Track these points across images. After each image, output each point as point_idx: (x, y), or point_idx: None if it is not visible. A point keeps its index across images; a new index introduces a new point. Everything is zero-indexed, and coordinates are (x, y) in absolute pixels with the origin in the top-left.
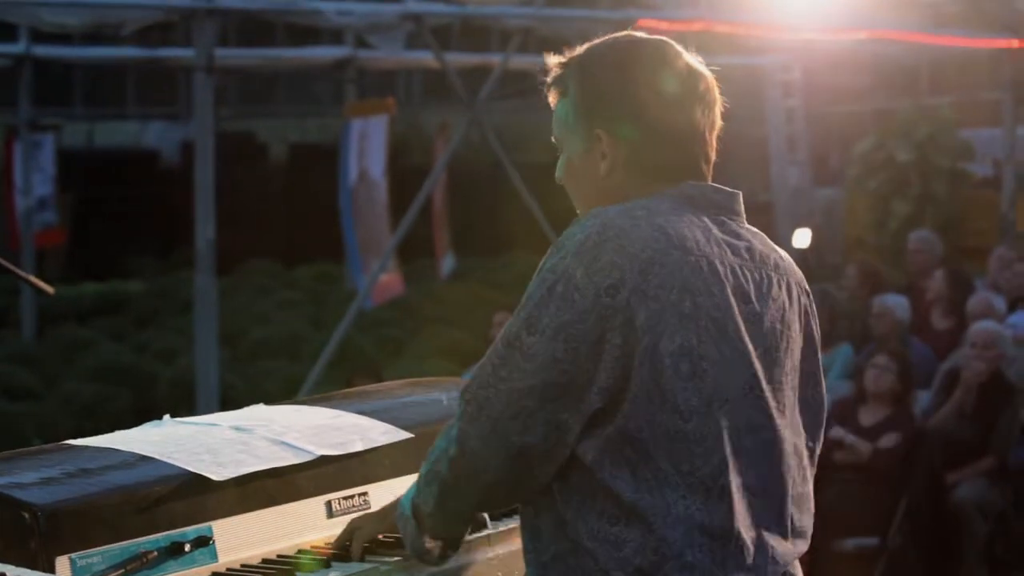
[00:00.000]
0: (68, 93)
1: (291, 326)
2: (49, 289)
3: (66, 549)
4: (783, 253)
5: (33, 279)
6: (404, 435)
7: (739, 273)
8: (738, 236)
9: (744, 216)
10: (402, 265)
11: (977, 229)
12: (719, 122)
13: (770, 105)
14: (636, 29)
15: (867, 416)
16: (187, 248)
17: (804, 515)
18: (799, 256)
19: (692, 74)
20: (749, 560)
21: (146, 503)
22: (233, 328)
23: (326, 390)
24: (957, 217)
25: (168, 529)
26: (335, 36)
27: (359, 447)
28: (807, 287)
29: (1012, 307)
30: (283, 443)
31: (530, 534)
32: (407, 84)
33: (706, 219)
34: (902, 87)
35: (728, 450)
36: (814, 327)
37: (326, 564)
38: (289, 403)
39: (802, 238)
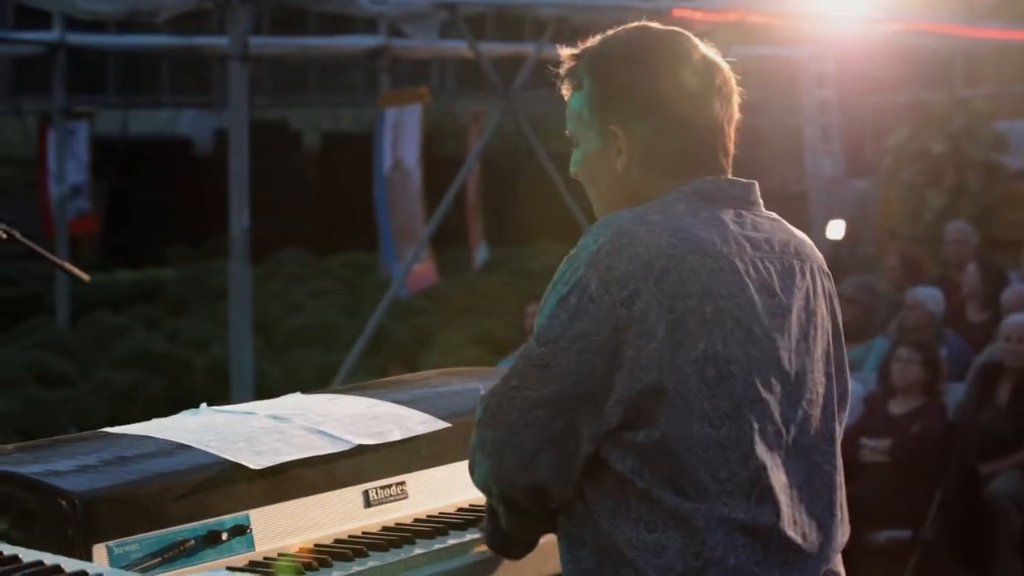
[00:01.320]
0: (102, 81)
1: (325, 315)
2: (84, 276)
3: (103, 537)
4: (803, 237)
5: (67, 266)
6: (442, 424)
7: (761, 268)
8: (757, 228)
9: (761, 204)
10: (436, 254)
11: (1011, 221)
12: (737, 114)
13: (804, 96)
14: (671, 19)
15: (897, 406)
16: (221, 236)
17: (844, 501)
18: (832, 247)
19: (709, 66)
20: (794, 558)
21: (183, 491)
22: (267, 316)
23: (360, 379)
24: (991, 209)
25: (205, 518)
26: (369, 25)
27: (397, 436)
28: (827, 270)
29: None
30: (320, 432)
31: (568, 543)
32: (441, 73)
33: (723, 215)
34: (936, 79)
35: (765, 451)
36: (837, 310)
37: (363, 554)
38: (325, 392)
39: (836, 229)
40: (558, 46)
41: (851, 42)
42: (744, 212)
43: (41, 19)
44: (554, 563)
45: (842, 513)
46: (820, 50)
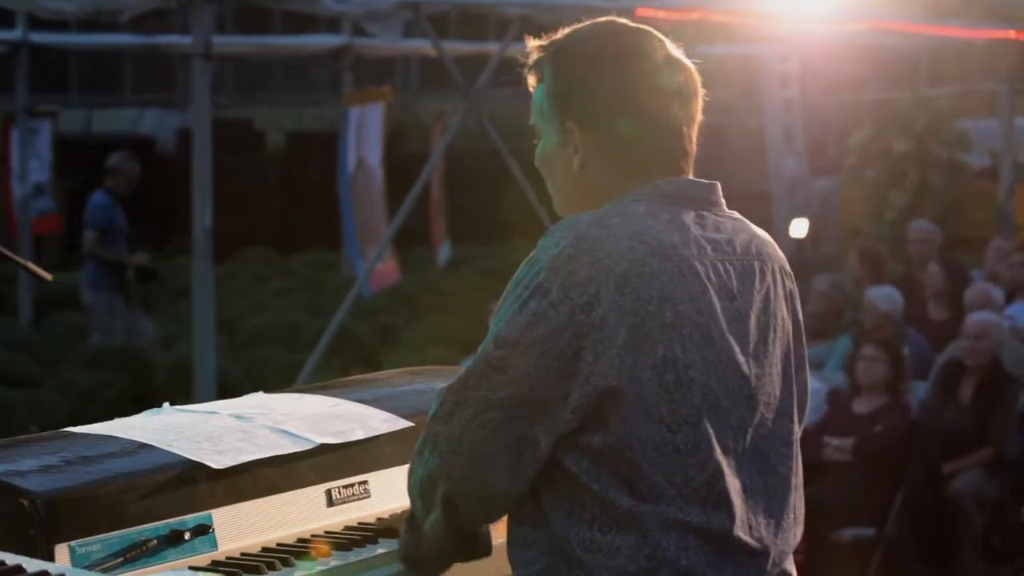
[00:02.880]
0: (65, 80)
1: (288, 313)
2: (47, 275)
3: (65, 537)
4: (765, 237)
5: (30, 265)
6: (404, 423)
7: (721, 271)
8: (718, 229)
9: (723, 204)
10: (399, 253)
11: (974, 220)
12: (699, 116)
13: (767, 95)
14: (633, 17)
15: (861, 405)
16: (184, 235)
17: (800, 502)
18: (795, 246)
19: (671, 66)
20: (747, 560)
21: (146, 491)
22: (230, 315)
23: (323, 378)
24: (954, 208)
25: (168, 517)
26: (332, 24)
27: (359, 435)
28: (789, 270)
29: (1010, 298)
30: (283, 431)
31: (519, 546)
32: (404, 72)
33: (683, 217)
34: (900, 78)
35: (722, 455)
36: (798, 309)
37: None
38: (288, 391)
39: (799, 228)
40: (523, 43)
41: (814, 41)
42: (705, 213)
43: (4, 18)
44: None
45: (796, 515)
46: (783, 49)
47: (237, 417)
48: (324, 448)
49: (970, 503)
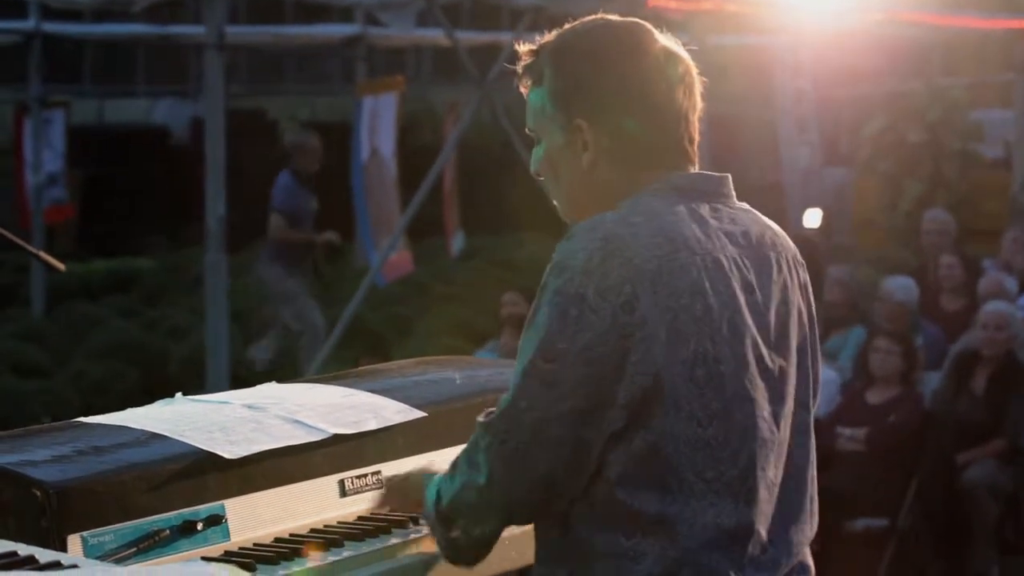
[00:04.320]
0: (78, 70)
1: None
2: (59, 265)
3: (78, 527)
4: (776, 228)
5: (43, 255)
6: (418, 414)
7: (741, 264)
8: (734, 221)
9: (734, 196)
10: (412, 244)
11: (988, 211)
12: (700, 103)
13: (779, 85)
14: (646, 8)
15: (874, 395)
16: (197, 225)
17: (815, 493)
18: (809, 237)
19: (670, 57)
20: (766, 555)
21: (158, 481)
22: (243, 306)
23: (336, 368)
24: (968, 199)
25: (180, 508)
26: (345, 14)
27: (373, 426)
28: (801, 259)
29: None
30: (296, 421)
31: (545, 550)
32: (417, 62)
33: (700, 210)
34: (913, 68)
35: (754, 449)
36: (812, 300)
37: (338, 544)
38: (301, 381)
39: (812, 219)
40: (536, 34)
41: (827, 31)
42: (719, 206)
43: (17, 8)
44: (529, 555)
45: (812, 507)
46: (796, 39)
47: (250, 407)
48: (337, 438)
49: (983, 494)
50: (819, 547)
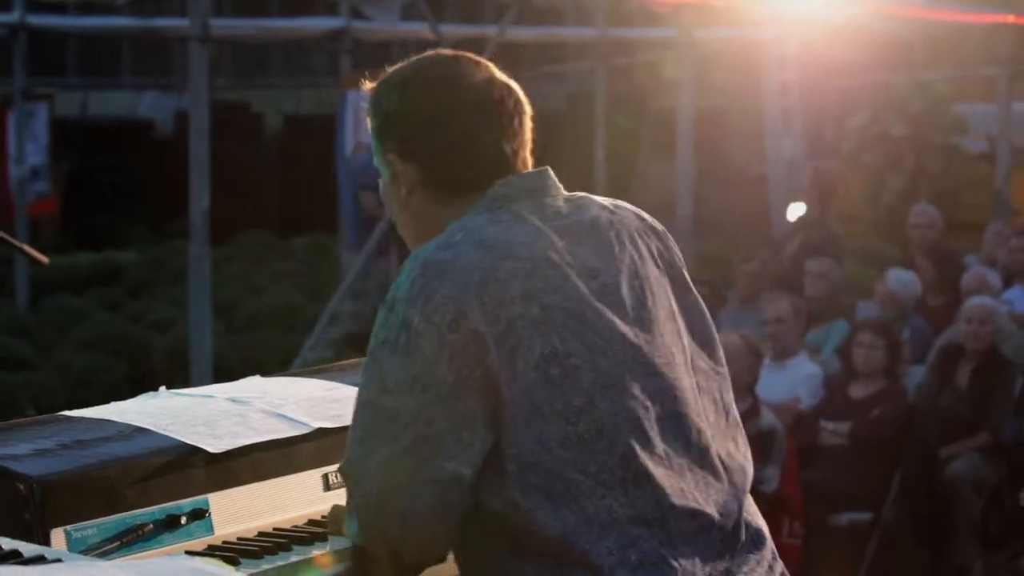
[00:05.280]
0: (62, 62)
1: (285, 297)
2: (43, 259)
3: (61, 521)
4: (613, 204)
5: (27, 248)
6: None
7: (576, 252)
8: (562, 214)
9: (559, 187)
10: (396, 237)
11: (971, 204)
12: (526, 135)
13: (765, 78)
14: (633, 3)
15: (857, 389)
16: (181, 218)
17: (738, 446)
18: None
19: (487, 85)
20: (695, 522)
21: (142, 475)
22: (227, 299)
23: (321, 361)
24: (951, 192)
25: (164, 502)
26: (330, 7)
27: None
28: (652, 225)
29: (1008, 282)
30: (280, 415)
31: None
32: (402, 55)
33: (524, 212)
34: (897, 62)
35: (630, 430)
36: (676, 259)
37: (322, 538)
38: (285, 375)
39: (796, 212)
40: (521, 27)
41: (813, 24)
42: (545, 201)
43: (1, 1)
44: None
45: (736, 455)
46: (781, 33)
47: (233, 401)
48: (321, 432)
49: (967, 487)
50: (803, 540)
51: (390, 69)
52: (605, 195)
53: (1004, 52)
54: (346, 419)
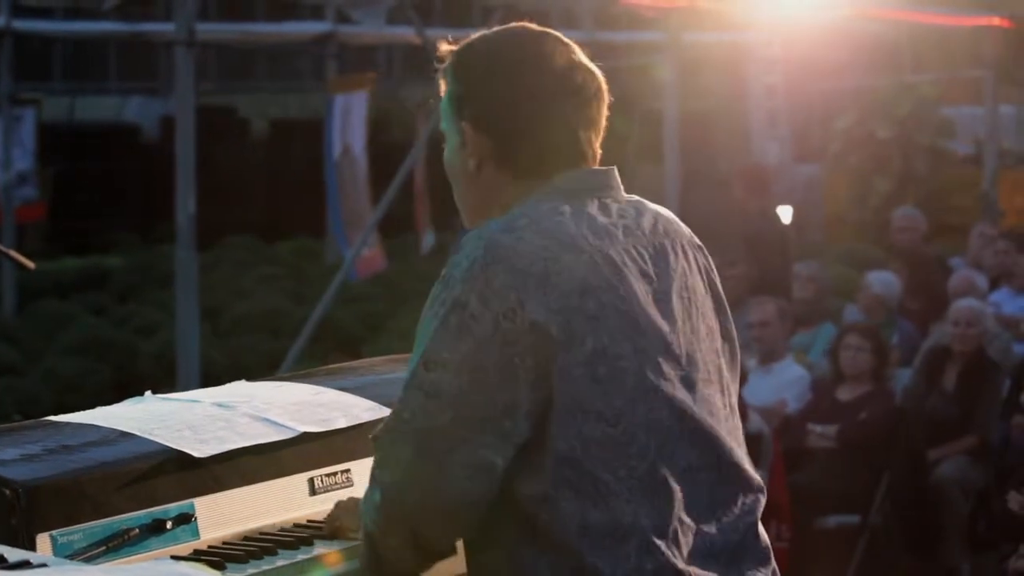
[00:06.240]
0: (49, 67)
1: (272, 301)
2: (29, 264)
3: (47, 526)
4: (668, 215)
5: (13, 254)
6: (387, 412)
7: (635, 254)
8: (623, 214)
9: (621, 189)
10: (383, 241)
11: (958, 206)
12: (601, 120)
13: (751, 81)
14: (618, 6)
15: (845, 392)
16: (168, 223)
17: (748, 458)
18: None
19: (571, 69)
20: (711, 541)
21: (127, 480)
22: (214, 303)
23: (307, 366)
24: (938, 194)
25: (150, 506)
26: (316, 11)
27: (342, 424)
28: (698, 242)
29: (994, 284)
30: (265, 420)
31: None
32: (388, 59)
33: (588, 208)
34: (884, 64)
35: (665, 440)
36: (716, 280)
37: (308, 542)
38: (271, 379)
39: (783, 215)
40: None
41: (798, 27)
42: (607, 200)
43: None
44: None
45: (746, 475)
46: (767, 36)
47: (219, 405)
48: (307, 436)
49: (954, 490)
50: (790, 543)
51: (474, 36)
52: None
53: (990, 54)
54: (332, 423)
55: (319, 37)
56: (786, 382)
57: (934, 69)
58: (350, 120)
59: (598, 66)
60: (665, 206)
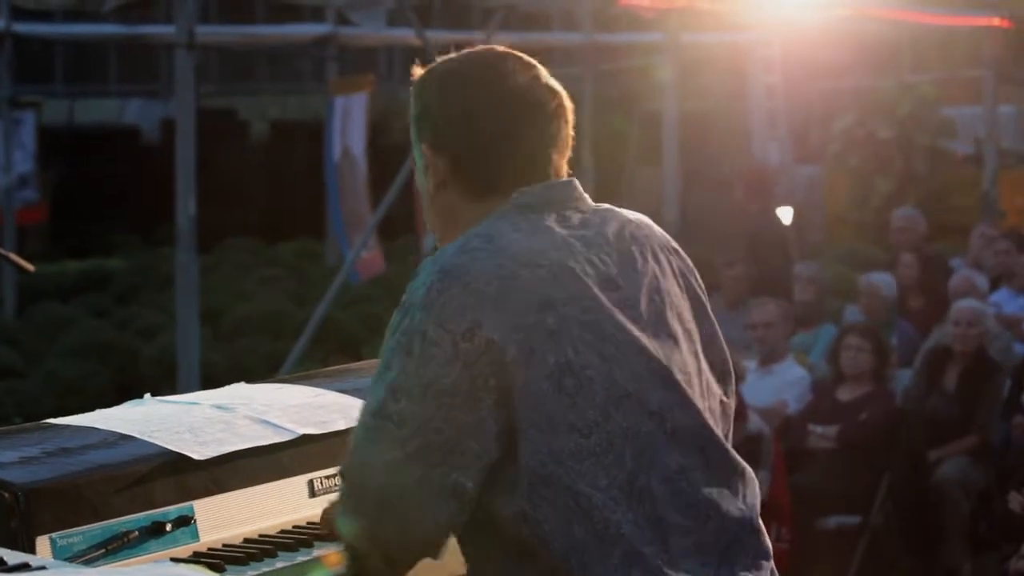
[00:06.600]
0: (49, 70)
1: (273, 303)
2: (30, 267)
3: (47, 529)
4: (639, 219)
5: (14, 257)
6: None
7: (597, 263)
8: (584, 224)
9: (586, 199)
10: (383, 243)
11: (958, 206)
12: (566, 138)
13: (751, 82)
14: (617, 8)
15: (845, 393)
16: (168, 225)
17: (743, 463)
18: (780, 233)
19: (529, 88)
20: (700, 541)
21: (127, 483)
22: (215, 305)
23: (308, 367)
24: (938, 194)
25: (149, 509)
26: (316, 13)
27: (341, 426)
28: (674, 246)
29: (994, 285)
30: (265, 422)
31: None
32: (388, 61)
33: (546, 221)
34: (884, 64)
35: (641, 446)
36: (695, 283)
37: (307, 544)
38: (271, 381)
39: (783, 216)
40: (508, 33)
41: (798, 28)
42: (568, 212)
43: None
44: None
45: (745, 475)
46: (767, 36)
47: (219, 408)
48: (306, 438)
49: (955, 490)
50: (791, 544)
51: (440, 59)
52: (593, 200)
53: (990, 54)
54: (331, 425)
55: (319, 39)
56: (787, 383)
57: (934, 69)
58: (350, 122)
59: (598, 68)
60: (665, 206)
